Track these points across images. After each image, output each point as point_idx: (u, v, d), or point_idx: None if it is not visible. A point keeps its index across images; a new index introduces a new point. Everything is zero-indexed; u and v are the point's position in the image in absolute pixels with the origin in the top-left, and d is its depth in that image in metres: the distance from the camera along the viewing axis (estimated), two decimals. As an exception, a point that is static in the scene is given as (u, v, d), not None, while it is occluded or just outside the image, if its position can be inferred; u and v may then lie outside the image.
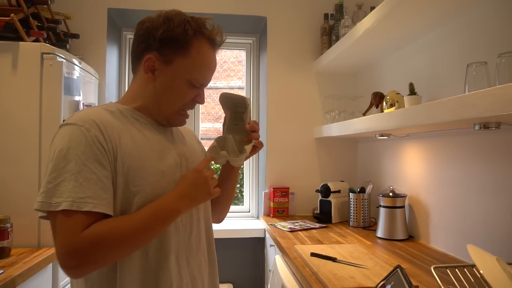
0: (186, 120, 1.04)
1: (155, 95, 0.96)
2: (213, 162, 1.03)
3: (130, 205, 0.87)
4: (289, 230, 2.00)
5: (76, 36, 2.17)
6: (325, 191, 2.28)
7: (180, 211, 0.89)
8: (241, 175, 3.69)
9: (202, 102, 1.03)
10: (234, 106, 1.08)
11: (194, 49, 0.94)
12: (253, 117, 2.78)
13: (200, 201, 0.94)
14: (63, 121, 1.65)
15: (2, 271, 1.28)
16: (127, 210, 0.87)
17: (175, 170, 0.96)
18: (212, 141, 1.06)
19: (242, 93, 2.93)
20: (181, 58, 0.93)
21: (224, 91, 1.06)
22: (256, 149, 1.08)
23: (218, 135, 1.08)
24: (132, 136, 0.91)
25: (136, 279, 0.88)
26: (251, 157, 1.09)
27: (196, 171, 0.93)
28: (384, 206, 1.85)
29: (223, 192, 1.15)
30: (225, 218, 1.25)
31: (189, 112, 1.03)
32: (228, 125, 1.09)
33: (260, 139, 1.09)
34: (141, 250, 0.89)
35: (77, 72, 1.87)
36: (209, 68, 0.99)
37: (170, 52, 0.93)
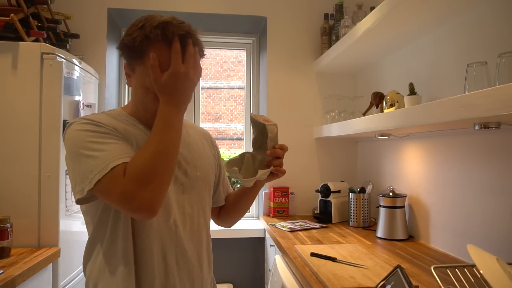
0: None
1: (134, 99, 0.99)
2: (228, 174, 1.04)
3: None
4: (289, 230, 2.00)
5: (76, 36, 2.17)
6: (325, 191, 2.28)
7: (179, 110, 0.89)
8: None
9: None
10: (259, 126, 1.08)
11: (148, 56, 0.89)
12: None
13: (190, 92, 0.92)
14: (63, 121, 1.66)
15: (2, 271, 1.28)
16: (108, 208, 0.92)
17: None
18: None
19: (242, 92, 2.93)
20: (139, 66, 0.92)
21: (254, 113, 1.06)
22: (275, 176, 1.04)
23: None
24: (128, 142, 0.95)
25: (120, 272, 0.91)
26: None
27: (172, 74, 0.87)
28: (384, 206, 1.85)
29: (241, 202, 1.19)
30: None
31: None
32: (253, 145, 1.11)
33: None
34: (127, 244, 0.91)
35: (77, 72, 1.87)
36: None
37: (131, 60, 0.94)
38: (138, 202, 0.80)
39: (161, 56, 0.88)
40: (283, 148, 1.05)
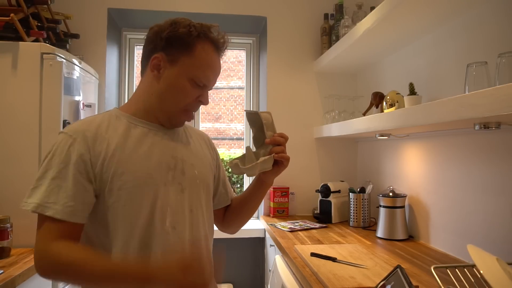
0: (186, 121, 1.06)
1: (159, 93, 0.99)
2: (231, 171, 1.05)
3: (118, 207, 0.91)
4: (289, 230, 2.00)
5: (76, 36, 2.17)
6: (325, 191, 2.28)
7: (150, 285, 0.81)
8: (241, 175, 3.68)
9: (206, 103, 1.04)
10: (255, 121, 1.09)
11: (198, 49, 0.97)
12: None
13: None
14: (64, 121, 1.66)
15: (2, 271, 1.28)
16: (116, 213, 0.91)
17: (165, 172, 0.97)
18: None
19: (242, 92, 2.93)
20: (185, 57, 0.97)
21: (248, 109, 1.09)
22: (280, 166, 1.05)
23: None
24: (122, 142, 0.95)
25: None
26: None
27: (194, 259, 0.84)
28: (384, 206, 1.85)
29: (248, 203, 1.18)
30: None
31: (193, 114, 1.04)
32: (254, 144, 1.12)
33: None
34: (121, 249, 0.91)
35: (77, 72, 1.87)
36: (212, 68, 1.01)
37: (175, 52, 0.97)
38: (38, 269, 0.88)
39: (208, 53, 0.98)
40: (283, 136, 1.06)
